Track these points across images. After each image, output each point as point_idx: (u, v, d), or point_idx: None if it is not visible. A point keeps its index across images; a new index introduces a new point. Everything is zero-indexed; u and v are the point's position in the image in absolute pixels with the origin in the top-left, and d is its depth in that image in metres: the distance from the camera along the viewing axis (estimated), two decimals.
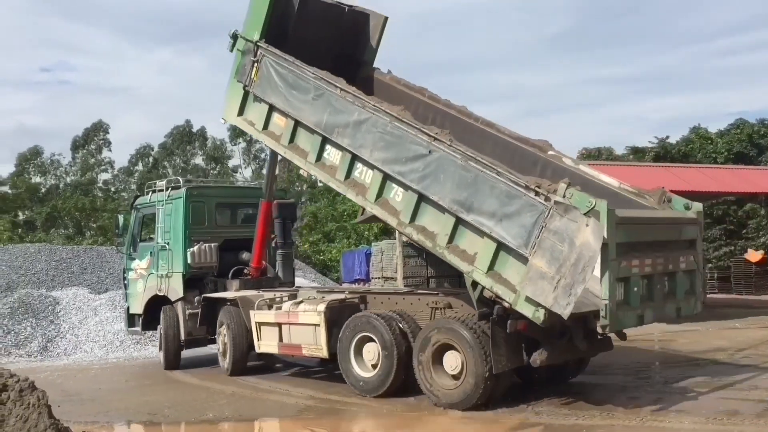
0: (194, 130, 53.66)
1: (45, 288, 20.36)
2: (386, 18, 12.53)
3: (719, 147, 31.30)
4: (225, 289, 13.08)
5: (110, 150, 53.83)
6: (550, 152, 10.18)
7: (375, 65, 12.60)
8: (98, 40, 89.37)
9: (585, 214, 7.32)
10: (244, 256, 13.47)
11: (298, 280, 17.45)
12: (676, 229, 9.13)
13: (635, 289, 8.10)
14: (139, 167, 54.59)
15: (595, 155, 35.00)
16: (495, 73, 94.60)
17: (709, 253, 28.82)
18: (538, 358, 8.38)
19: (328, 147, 10.05)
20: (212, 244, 13.21)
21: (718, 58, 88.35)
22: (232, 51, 11.49)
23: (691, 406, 8.48)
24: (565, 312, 7.37)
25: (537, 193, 7.71)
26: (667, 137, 34.25)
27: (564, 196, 7.48)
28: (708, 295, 24.64)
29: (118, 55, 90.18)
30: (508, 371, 8.75)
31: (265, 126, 10.99)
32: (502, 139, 10.67)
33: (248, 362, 12.34)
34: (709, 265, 27.87)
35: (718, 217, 29.73)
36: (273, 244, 13.95)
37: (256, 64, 11.05)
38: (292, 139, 10.55)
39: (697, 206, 9.32)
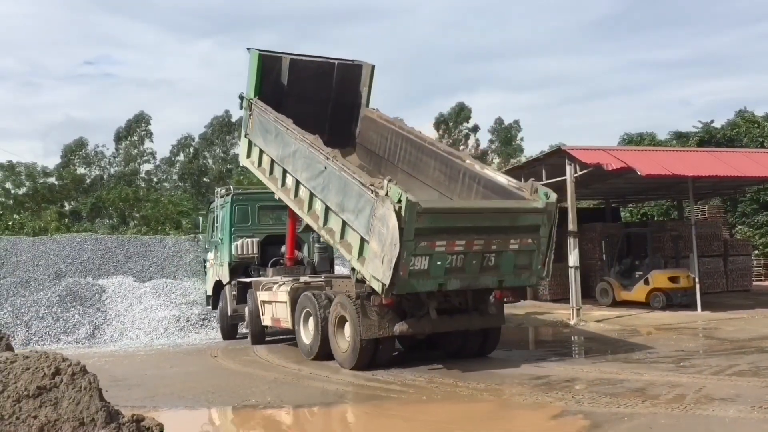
0: (233, 120, 54.05)
1: (92, 276, 20.94)
2: (373, 66, 15.51)
3: (767, 131, 30.41)
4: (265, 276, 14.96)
5: (152, 141, 54.53)
6: (467, 161, 12.38)
7: (371, 102, 15.52)
8: (140, 34, 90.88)
9: (396, 202, 9.29)
10: (283, 249, 15.33)
11: (340, 269, 17.92)
12: (507, 216, 10.42)
13: (438, 263, 9.84)
14: (181, 158, 55.30)
15: (636, 141, 34.28)
16: (536, 60, 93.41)
17: (756, 240, 28.12)
18: (398, 328, 10.50)
19: (287, 175, 12.77)
20: (254, 239, 15.54)
21: (764, 40, 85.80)
22: (241, 109, 14.74)
23: (735, 394, 8.35)
24: (387, 282, 9.44)
25: (372, 190, 9.81)
26: (712, 121, 33.48)
27: (386, 191, 9.47)
28: (754, 283, 24.15)
29: (159, 48, 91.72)
30: (390, 340, 10.98)
31: (259, 164, 14.03)
32: (440, 154, 12.98)
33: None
34: (756, 252, 27.19)
35: (765, 203, 28.94)
36: (311, 239, 15.64)
37: (251, 117, 14.19)
38: (271, 172, 13.49)
39: (553, 196, 10.58)
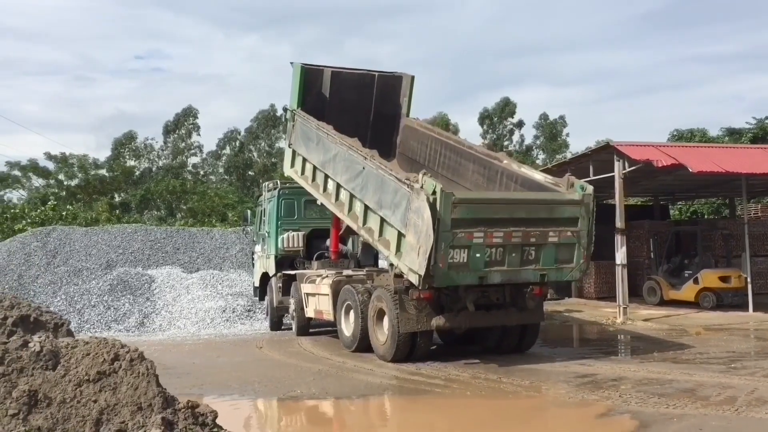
0: (279, 114, 54.50)
1: (141, 266, 21.40)
2: (413, 77, 15.93)
3: None
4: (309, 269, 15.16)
5: (199, 134, 55.37)
6: (504, 161, 12.54)
7: (411, 110, 16.05)
8: (188, 29, 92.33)
9: (431, 194, 9.52)
10: (328, 242, 15.59)
11: (384, 263, 18.02)
12: (544, 208, 10.51)
13: (477, 255, 9.91)
14: (227, 151, 56.04)
15: (687, 137, 33.57)
16: (583, 54, 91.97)
17: None
18: (435, 322, 10.73)
19: (329, 180, 13.15)
20: (300, 233, 15.92)
21: None
22: (286, 121, 15.50)
23: None
24: (423, 272, 9.57)
25: (407, 184, 10.04)
26: (767, 117, 32.56)
27: (421, 184, 9.71)
28: None
29: (207, 43, 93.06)
30: (428, 334, 11.13)
31: (302, 172, 14.54)
32: (478, 156, 13.17)
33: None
34: None
35: None
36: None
37: (294, 127, 14.80)
38: (313, 179, 13.95)
39: (589, 188, 10.64)
